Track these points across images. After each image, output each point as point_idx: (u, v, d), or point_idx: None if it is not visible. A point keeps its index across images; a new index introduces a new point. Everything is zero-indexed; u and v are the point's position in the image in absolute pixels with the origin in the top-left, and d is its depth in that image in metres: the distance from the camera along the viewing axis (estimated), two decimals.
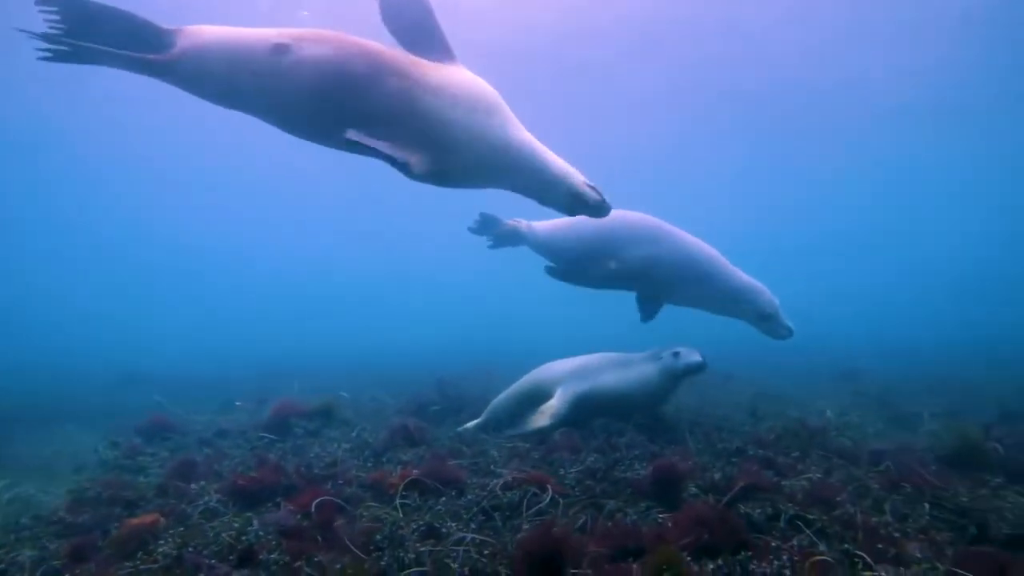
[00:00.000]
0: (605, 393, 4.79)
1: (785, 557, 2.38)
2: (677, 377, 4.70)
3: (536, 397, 5.17)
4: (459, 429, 5.41)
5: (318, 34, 3.62)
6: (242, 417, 6.29)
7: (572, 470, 3.61)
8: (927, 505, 3.06)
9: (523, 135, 3.87)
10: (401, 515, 2.88)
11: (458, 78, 3.72)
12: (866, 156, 25.49)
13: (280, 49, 3.52)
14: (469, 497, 3.05)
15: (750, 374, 10.01)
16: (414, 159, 3.52)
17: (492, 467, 3.78)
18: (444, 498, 3.07)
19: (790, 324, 5.80)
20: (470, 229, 6.74)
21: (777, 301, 5.80)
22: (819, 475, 3.53)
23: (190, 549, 2.37)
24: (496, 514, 2.88)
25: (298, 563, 2.27)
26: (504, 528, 2.79)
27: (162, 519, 2.86)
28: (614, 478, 3.46)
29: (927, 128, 21.87)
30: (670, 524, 2.75)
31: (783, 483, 3.40)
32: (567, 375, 5.02)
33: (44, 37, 3.34)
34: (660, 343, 5.06)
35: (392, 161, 3.48)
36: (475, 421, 5.61)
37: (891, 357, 13.15)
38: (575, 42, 17.90)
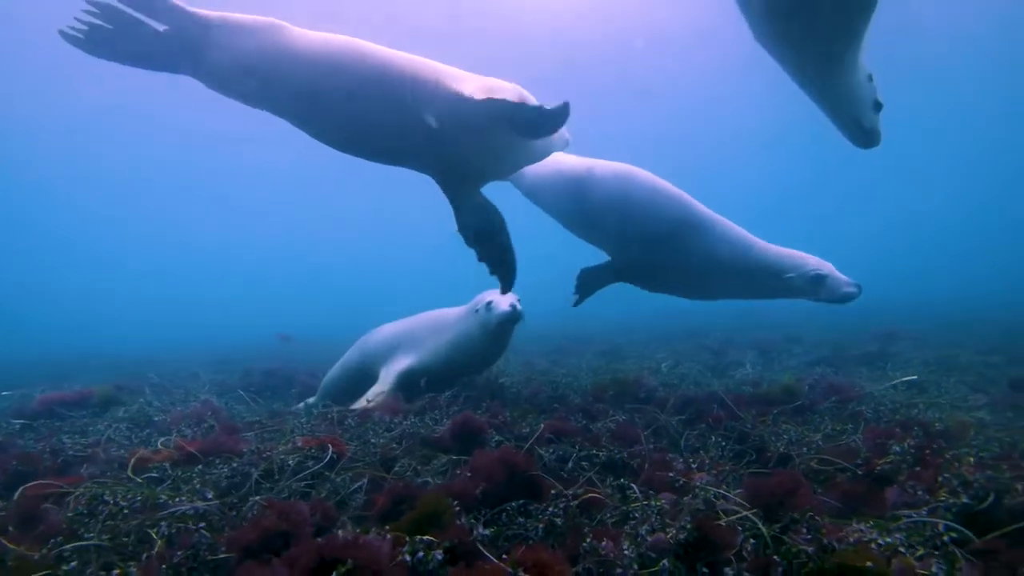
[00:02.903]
0: (428, 364, 4.51)
1: (562, 504, 2.26)
2: (495, 331, 4.32)
3: (364, 370, 4.82)
4: (292, 409, 4.92)
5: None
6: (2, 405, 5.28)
7: (385, 433, 3.33)
8: (713, 437, 3.16)
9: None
10: (152, 491, 2.41)
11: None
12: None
13: None
14: (234, 465, 2.64)
15: (608, 335, 10.35)
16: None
17: (293, 434, 3.39)
18: (200, 467, 2.64)
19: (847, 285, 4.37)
20: None
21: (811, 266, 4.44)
22: (624, 418, 3.53)
23: None
24: (264, 482, 2.52)
25: None
26: (272, 494, 2.44)
27: None
28: (420, 437, 3.23)
29: None
30: (468, 475, 2.57)
31: (590, 426, 3.37)
32: (389, 347, 4.72)
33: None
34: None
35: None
36: (308, 400, 5.17)
37: (735, 315, 14.23)
38: None
